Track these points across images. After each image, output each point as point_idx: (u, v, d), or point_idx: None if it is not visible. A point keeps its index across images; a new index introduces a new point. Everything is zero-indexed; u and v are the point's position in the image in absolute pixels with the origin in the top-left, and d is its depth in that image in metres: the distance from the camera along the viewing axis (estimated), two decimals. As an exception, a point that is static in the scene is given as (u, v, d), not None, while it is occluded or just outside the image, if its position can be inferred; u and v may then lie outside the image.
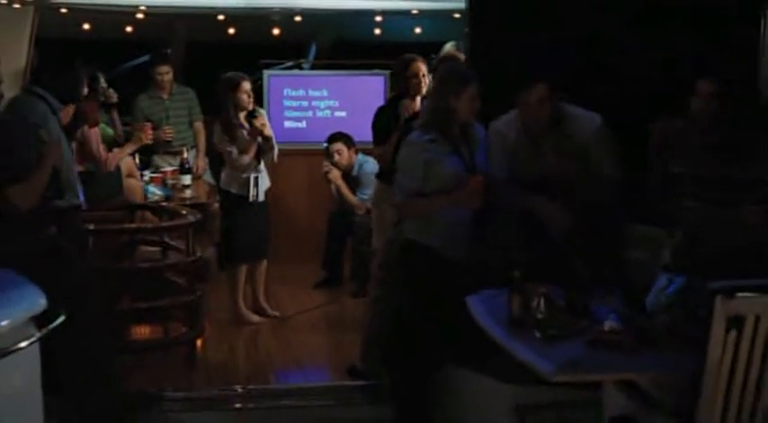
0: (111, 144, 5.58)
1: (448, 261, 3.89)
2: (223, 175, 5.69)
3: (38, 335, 2.91)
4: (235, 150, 5.47)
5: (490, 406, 3.87)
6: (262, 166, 5.64)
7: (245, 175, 5.53)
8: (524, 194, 3.88)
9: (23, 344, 2.82)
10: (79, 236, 4.13)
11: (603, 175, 3.83)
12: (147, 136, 5.18)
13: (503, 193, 3.92)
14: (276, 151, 5.71)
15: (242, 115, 5.55)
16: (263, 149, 5.59)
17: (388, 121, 4.80)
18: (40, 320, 2.98)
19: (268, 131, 5.59)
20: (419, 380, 4.01)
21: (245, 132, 5.51)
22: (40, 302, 3.01)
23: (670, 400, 2.82)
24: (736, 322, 2.57)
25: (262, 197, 5.65)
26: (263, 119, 5.60)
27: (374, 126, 4.92)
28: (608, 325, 3.06)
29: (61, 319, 3.02)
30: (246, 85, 5.54)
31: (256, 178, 5.58)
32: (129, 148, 5.24)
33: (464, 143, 3.94)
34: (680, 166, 3.92)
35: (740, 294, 2.56)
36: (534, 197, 3.86)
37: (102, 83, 6.53)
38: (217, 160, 6.92)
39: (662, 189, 3.95)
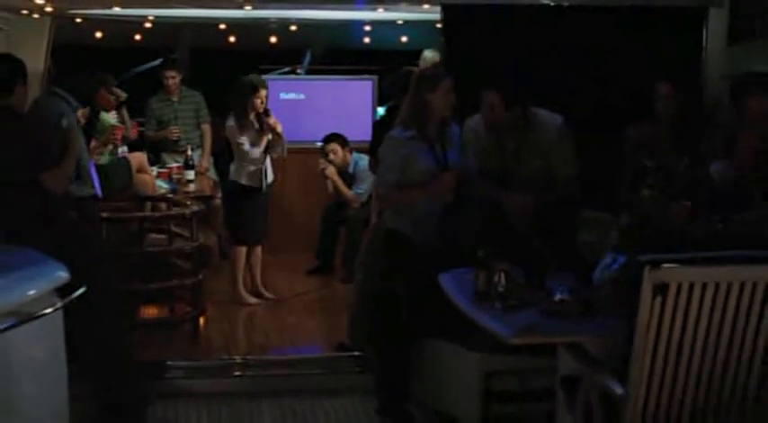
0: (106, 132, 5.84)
1: (423, 247, 4.14)
2: (232, 168, 5.95)
3: (61, 303, 3.17)
4: (247, 143, 5.75)
5: (461, 372, 4.12)
6: (268, 160, 5.92)
7: (254, 167, 5.80)
8: (491, 186, 4.15)
9: (48, 311, 3.08)
10: (94, 222, 4.39)
11: (562, 169, 4.09)
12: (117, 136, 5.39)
13: (474, 184, 4.19)
14: (286, 146, 6.00)
15: (253, 115, 5.83)
16: (272, 144, 5.87)
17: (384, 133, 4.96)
18: (63, 291, 3.25)
19: (279, 128, 5.89)
20: (398, 351, 4.22)
21: (255, 127, 5.80)
22: (62, 276, 3.25)
23: (610, 360, 3.09)
24: (661, 289, 2.83)
25: (265, 187, 5.94)
26: (274, 118, 5.90)
27: (373, 137, 5.15)
28: (559, 296, 3.33)
29: (81, 290, 3.27)
30: (263, 92, 5.83)
31: (264, 170, 5.87)
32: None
33: (439, 141, 4.17)
34: (647, 160, 4.22)
35: (665, 265, 2.83)
36: (499, 188, 4.13)
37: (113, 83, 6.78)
38: (221, 158, 7.21)
39: (630, 181, 4.22)
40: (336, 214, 6.77)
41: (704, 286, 2.82)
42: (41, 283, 3.17)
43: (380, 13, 6.93)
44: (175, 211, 5.58)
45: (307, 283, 6.64)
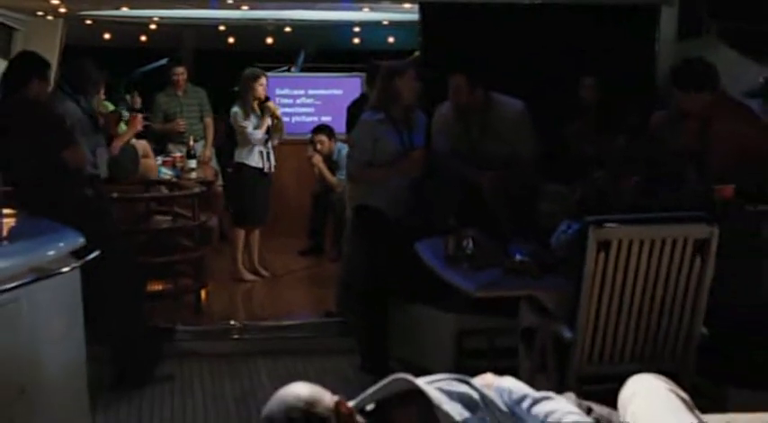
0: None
1: (393, 219, 4.36)
2: (237, 152, 6.18)
3: (77, 263, 3.40)
4: (250, 126, 6.00)
5: (436, 331, 4.36)
6: (270, 144, 6.16)
7: (258, 149, 6.04)
8: (463, 164, 4.38)
9: (65, 269, 3.31)
10: (105, 200, 4.62)
11: (523, 148, 4.32)
12: (138, 124, 5.60)
13: (443, 162, 4.42)
14: (284, 130, 6.28)
15: (255, 102, 6.07)
16: (272, 128, 6.12)
17: (357, 113, 5.23)
18: (79, 254, 3.47)
19: (278, 112, 6.16)
20: (378, 315, 4.42)
21: (257, 113, 6.05)
22: (78, 241, 3.48)
23: (562, 311, 3.34)
24: (604, 246, 3.09)
25: (272, 169, 6.18)
26: (273, 103, 6.19)
27: (348, 117, 5.41)
28: (519, 257, 3.60)
29: (95, 254, 3.50)
30: (263, 80, 6.09)
31: (268, 153, 6.12)
32: (128, 135, 5.66)
33: (405, 124, 4.35)
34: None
35: (607, 225, 3.09)
36: (470, 167, 4.36)
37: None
38: (223, 149, 7.44)
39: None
40: (324, 200, 7.00)
41: (641, 243, 3.09)
42: (59, 246, 3.40)
43: (367, 14, 7.14)
44: (179, 193, 5.80)
45: (299, 262, 6.88)
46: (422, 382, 1.89)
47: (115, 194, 5.11)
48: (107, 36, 8.61)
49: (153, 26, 8.26)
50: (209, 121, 7.55)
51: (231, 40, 8.80)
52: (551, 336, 3.33)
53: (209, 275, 5.85)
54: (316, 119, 7.49)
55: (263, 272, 6.38)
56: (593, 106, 4.64)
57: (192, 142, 7.06)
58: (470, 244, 3.70)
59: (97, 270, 3.61)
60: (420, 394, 1.86)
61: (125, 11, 7.11)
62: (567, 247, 3.54)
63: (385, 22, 7.46)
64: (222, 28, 8.47)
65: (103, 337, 4.20)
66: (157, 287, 5.70)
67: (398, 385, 1.89)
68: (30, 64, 4.39)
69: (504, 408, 1.87)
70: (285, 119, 7.81)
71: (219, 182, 7.10)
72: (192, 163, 6.82)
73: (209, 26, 8.41)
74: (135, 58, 9.40)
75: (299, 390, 1.85)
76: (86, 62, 4.80)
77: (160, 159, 6.80)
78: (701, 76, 3.86)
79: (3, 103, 4.34)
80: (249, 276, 6.24)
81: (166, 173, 6.51)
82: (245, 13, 6.89)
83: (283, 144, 7.24)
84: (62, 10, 6.88)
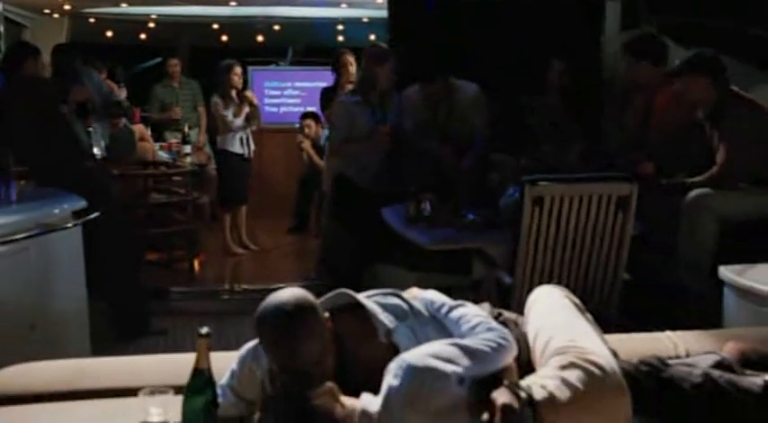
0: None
1: (365, 188, 4.65)
2: (219, 139, 6.46)
3: (78, 221, 3.69)
4: (230, 114, 6.27)
5: (402, 288, 4.63)
6: (248, 130, 6.44)
7: (238, 135, 6.31)
8: (425, 140, 4.67)
9: (68, 225, 3.62)
10: (106, 173, 4.90)
11: (479, 125, 4.61)
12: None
13: (410, 139, 4.71)
14: (261, 117, 6.53)
15: (233, 91, 6.34)
16: (250, 116, 6.38)
17: (329, 94, 5.62)
18: (80, 214, 3.76)
19: (255, 101, 6.41)
20: (352, 276, 4.61)
21: (236, 102, 6.30)
22: (80, 203, 3.78)
23: (504, 261, 3.63)
24: (538, 201, 3.39)
25: (252, 154, 6.45)
26: (250, 92, 6.44)
27: (321, 98, 5.74)
28: (470, 217, 3.92)
29: (95, 214, 3.80)
30: (238, 69, 6.34)
31: (247, 139, 6.39)
32: None
33: (380, 106, 4.66)
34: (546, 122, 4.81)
35: (541, 183, 3.39)
36: (434, 142, 4.66)
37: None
38: (214, 135, 7.71)
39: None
40: (310, 182, 7.27)
41: (570, 199, 3.39)
42: (63, 206, 3.71)
43: (347, 11, 7.42)
44: (174, 170, 6.08)
45: (286, 238, 7.16)
46: (361, 296, 2.17)
47: (116, 172, 5.39)
48: (109, 34, 8.88)
49: (151, 24, 8.53)
50: (202, 110, 7.82)
51: (224, 37, 9.04)
52: (495, 282, 3.63)
53: (201, 249, 6.13)
54: (302, 109, 7.73)
55: (252, 246, 6.65)
56: (560, 89, 4.90)
57: (186, 129, 7.33)
58: (428, 206, 4.00)
59: (97, 233, 3.91)
60: (360, 306, 2.14)
61: (125, 8, 7.37)
62: (512, 208, 3.82)
63: (365, 20, 7.74)
64: (216, 26, 8.73)
65: (103, 295, 4.47)
66: (154, 256, 5.98)
67: (343, 298, 2.18)
68: (23, 48, 4.71)
69: (426, 314, 2.15)
70: (273, 109, 8.18)
71: (213, 165, 7.37)
72: (187, 148, 7.10)
73: (203, 24, 8.67)
74: (135, 54, 9.62)
75: (293, 289, 2.12)
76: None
77: (158, 145, 7.09)
78: (652, 47, 4.20)
79: (6, 84, 4.64)
80: (238, 250, 6.52)
81: (163, 156, 6.80)
82: (235, 10, 7.15)
83: (271, 132, 7.55)
84: (66, 7, 7.16)
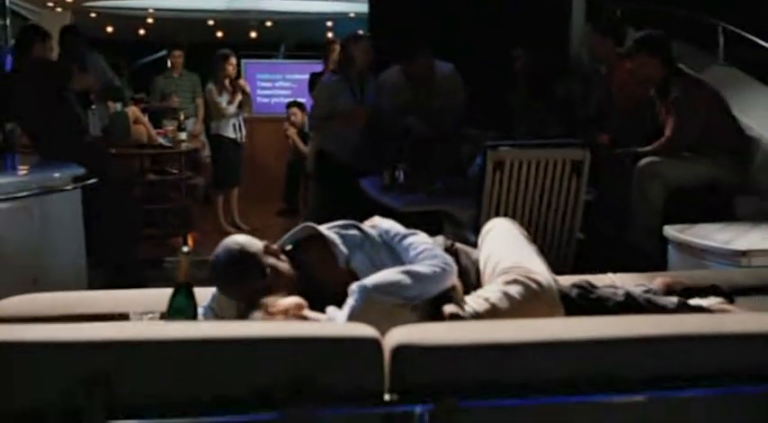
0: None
1: (345, 161, 4.84)
2: (213, 125, 6.65)
3: (78, 185, 3.88)
4: (223, 101, 6.47)
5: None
6: (241, 117, 6.63)
7: (231, 122, 6.51)
8: (403, 117, 4.86)
9: (68, 187, 3.80)
10: (103, 147, 5.09)
11: (454, 102, 4.79)
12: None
13: (389, 119, 4.90)
14: (252, 104, 6.73)
15: (227, 80, 6.53)
16: (243, 103, 6.57)
17: (316, 78, 5.80)
18: (79, 179, 3.93)
19: (247, 89, 6.61)
20: None
21: (229, 89, 6.49)
22: (79, 170, 3.96)
23: (471, 224, 3.82)
24: (499, 166, 3.58)
25: (243, 139, 6.64)
26: (243, 80, 6.63)
27: (310, 81, 5.94)
28: (439, 184, 4.12)
29: (93, 180, 3.98)
30: (232, 59, 6.55)
31: (240, 125, 6.59)
32: None
33: (358, 86, 4.85)
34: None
35: (501, 148, 3.59)
36: (411, 119, 4.84)
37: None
38: (210, 123, 7.90)
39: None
40: (297, 167, 7.46)
41: (528, 163, 3.58)
42: (63, 172, 3.88)
43: (337, 5, 7.61)
44: (168, 150, 6.27)
45: (276, 220, 7.34)
46: (322, 228, 2.36)
47: (113, 151, 5.56)
48: (110, 29, 9.07)
49: (150, 20, 8.70)
50: (200, 101, 7.98)
51: (220, 34, 9.22)
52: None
53: (195, 228, 6.29)
54: (291, 99, 7.94)
55: (244, 226, 6.83)
56: (524, 73, 5.11)
57: (182, 118, 7.50)
58: (402, 175, 4.20)
59: (97, 202, 4.09)
60: (322, 237, 2.33)
61: (124, 2, 7.54)
62: (478, 176, 4.02)
63: (351, 15, 7.93)
64: (211, 23, 8.91)
65: (101, 261, 4.64)
66: (150, 231, 6.14)
67: (306, 231, 2.36)
68: (34, 31, 4.88)
69: (380, 241, 2.33)
70: (264, 100, 8.37)
71: (207, 153, 7.54)
72: (183, 135, 7.22)
73: (199, 21, 8.86)
74: (134, 49, 9.79)
75: (236, 238, 2.32)
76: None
77: (155, 132, 7.26)
78: (612, 25, 4.44)
79: (15, 65, 4.83)
80: (230, 229, 6.68)
81: (160, 141, 6.96)
82: (229, 3, 7.33)
83: (263, 121, 7.75)
84: (69, 0, 7.34)
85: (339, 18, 8.37)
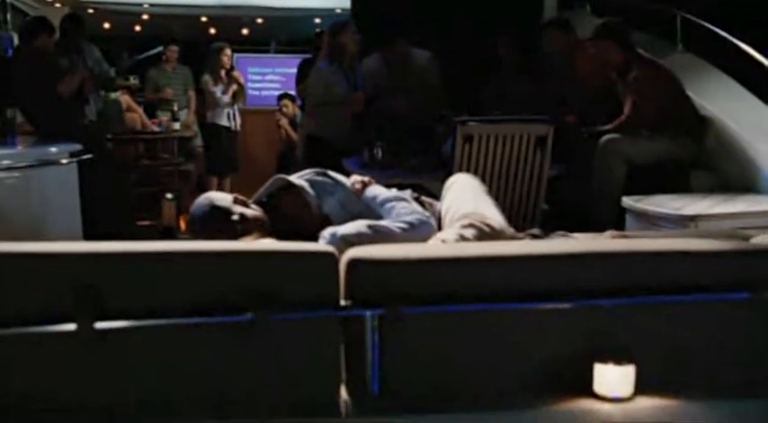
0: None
1: (335, 146, 5.00)
2: (208, 114, 6.81)
3: (74, 159, 4.03)
4: (218, 91, 6.63)
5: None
6: (235, 106, 6.78)
7: (225, 111, 6.65)
8: (387, 100, 4.99)
9: (65, 161, 3.95)
10: (98, 129, 5.24)
11: (431, 86, 4.94)
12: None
13: (369, 100, 5.05)
14: (246, 95, 6.90)
15: (223, 71, 6.69)
16: (237, 93, 6.73)
17: (305, 69, 5.87)
18: (74, 154, 4.10)
19: (241, 80, 6.78)
20: None
21: (224, 80, 6.64)
22: (76, 147, 4.14)
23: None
24: (468, 139, 3.75)
25: (238, 127, 6.79)
26: (237, 72, 6.80)
27: (298, 70, 6.08)
28: (414, 161, 4.28)
29: (88, 156, 4.14)
30: (228, 51, 6.72)
31: (234, 114, 6.74)
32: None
33: (351, 72, 4.99)
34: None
35: (470, 123, 3.76)
36: (391, 102, 4.99)
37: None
38: (204, 113, 8.04)
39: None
40: (288, 156, 7.61)
41: (496, 137, 3.75)
42: (60, 148, 4.05)
43: (324, 2, 7.76)
44: (161, 136, 6.42)
45: (266, 206, 7.49)
46: (293, 177, 2.51)
47: (109, 136, 5.71)
48: (107, 25, 9.18)
49: (145, 16, 8.84)
50: (192, 94, 8.11)
51: (212, 30, 9.35)
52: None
53: (187, 213, 6.42)
54: (282, 92, 8.09)
55: (234, 212, 6.98)
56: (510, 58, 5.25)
57: (175, 108, 7.65)
58: (380, 153, 4.37)
59: (92, 177, 4.24)
60: (294, 186, 2.48)
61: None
62: (450, 152, 4.20)
63: (338, 10, 8.08)
64: (204, 19, 9.05)
65: (95, 233, 4.78)
66: (142, 214, 6.27)
67: (278, 182, 2.51)
68: (39, 23, 5.01)
69: (347, 183, 2.47)
70: (255, 92, 8.52)
71: (199, 143, 7.68)
72: (176, 125, 7.39)
73: (193, 17, 8.99)
74: (130, 45, 9.90)
75: (207, 194, 2.47)
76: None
77: (149, 121, 7.40)
78: (565, 20, 4.63)
79: (17, 52, 4.96)
80: (222, 214, 6.84)
81: (154, 130, 7.10)
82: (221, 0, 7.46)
83: (254, 113, 7.88)
84: (66, -6, 7.46)
85: (326, 14, 8.51)
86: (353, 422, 1.58)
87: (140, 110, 7.02)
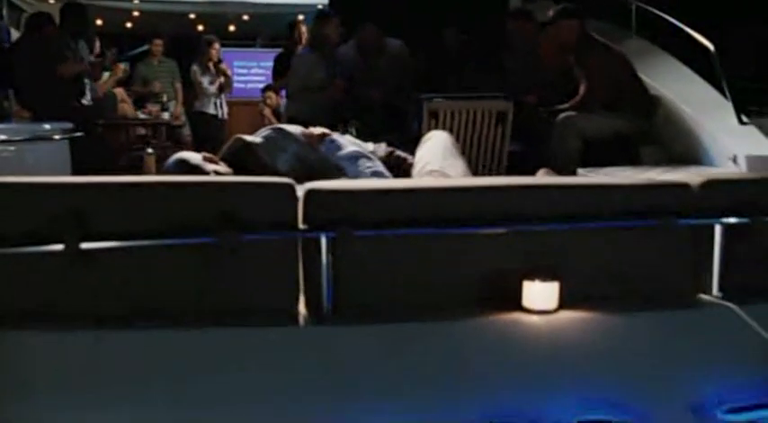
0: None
1: (312, 126, 5.14)
2: (196, 103, 6.96)
3: (66, 136, 4.16)
4: (206, 81, 6.78)
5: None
6: (222, 96, 6.93)
7: (212, 100, 6.80)
8: (363, 90, 5.16)
9: (57, 137, 4.09)
10: (92, 112, 5.36)
11: (403, 72, 5.11)
12: (119, 71, 6.31)
13: (349, 85, 5.20)
14: (233, 86, 7.06)
15: (211, 63, 6.83)
16: (223, 84, 6.88)
17: (280, 67, 5.99)
18: (67, 132, 4.23)
19: (228, 72, 6.93)
20: None
21: (212, 71, 6.79)
22: (68, 125, 4.28)
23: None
24: (434, 115, 3.92)
25: (225, 116, 6.94)
26: (224, 64, 6.95)
27: (274, 65, 6.22)
28: (385, 139, 4.43)
29: (80, 133, 4.27)
30: (217, 44, 6.87)
31: (220, 103, 6.90)
32: (111, 79, 6.35)
33: (331, 59, 5.16)
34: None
35: (435, 100, 3.92)
36: (368, 90, 5.13)
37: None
38: (192, 103, 8.17)
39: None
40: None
41: (459, 112, 3.92)
42: (53, 126, 4.18)
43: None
44: (150, 122, 6.56)
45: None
46: (249, 136, 2.66)
47: (101, 121, 5.83)
48: (99, 22, 9.27)
49: (136, 13, 8.94)
50: (178, 86, 8.24)
51: (200, 26, 9.47)
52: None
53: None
54: (266, 84, 8.23)
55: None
56: (455, 49, 5.43)
57: (165, 99, 7.78)
58: (353, 131, 4.51)
59: (81, 154, 4.37)
60: (250, 144, 2.63)
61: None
62: (417, 130, 4.37)
63: (320, 6, 8.22)
64: (192, 16, 9.16)
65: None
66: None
67: (237, 143, 2.68)
68: (47, 16, 5.17)
69: (299, 136, 2.63)
70: (241, 85, 8.65)
71: (187, 132, 7.81)
72: (165, 115, 7.54)
73: (182, 14, 9.11)
74: (121, 42, 9.99)
75: (179, 154, 2.62)
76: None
77: (140, 113, 7.53)
78: (524, 11, 4.81)
79: (23, 39, 5.13)
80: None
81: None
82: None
83: (239, 104, 8.01)
84: (60, -10, 7.53)
85: (309, 11, 8.64)
86: (309, 330, 1.74)
87: (130, 100, 7.15)
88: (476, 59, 5.38)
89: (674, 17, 4.60)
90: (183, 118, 8.12)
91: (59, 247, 1.65)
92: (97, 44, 6.19)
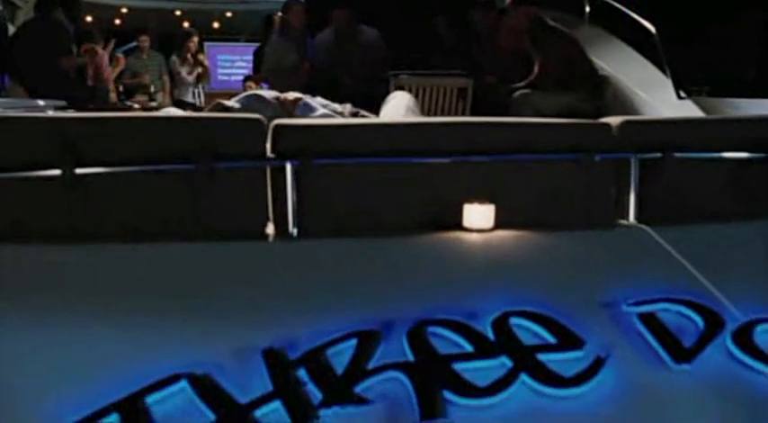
0: None
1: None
2: (175, 92, 7.12)
3: (59, 112, 4.29)
4: (183, 71, 6.93)
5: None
6: (200, 86, 7.09)
7: (190, 89, 6.97)
8: (339, 71, 5.32)
9: (50, 112, 4.22)
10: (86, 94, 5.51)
11: (378, 59, 5.29)
12: (122, 63, 6.47)
13: (324, 71, 5.37)
14: (210, 77, 7.18)
15: (189, 54, 6.99)
16: (201, 75, 7.04)
17: (257, 59, 6.16)
18: (61, 109, 4.36)
19: (206, 63, 7.06)
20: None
21: (190, 62, 6.94)
22: (62, 102, 4.41)
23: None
24: (400, 90, 4.10)
25: (202, 104, 7.10)
26: (202, 55, 7.08)
27: (254, 59, 6.40)
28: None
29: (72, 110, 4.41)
30: (195, 38, 7.02)
31: (199, 92, 7.05)
32: (115, 71, 6.52)
33: (302, 45, 5.38)
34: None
35: (401, 76, 4.12)
36: (342, 75, 5.32)
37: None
38: (171, 96, 8.29)
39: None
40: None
41: (424, 88, 4.12)
42: (47, 102, 4.31)
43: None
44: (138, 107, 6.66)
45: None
46: (228, 101, 2.83)
47: (92, 106, 5.96)
48: (89, 18, 9.37)
49: (124, 10, 9.06)
50: (166, 78, 8.38)
51: (186, 23, 9.59)
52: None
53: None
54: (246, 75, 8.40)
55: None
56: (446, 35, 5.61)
57: (152, 89, 7.91)
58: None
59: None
60: (227, 109, 2.80)
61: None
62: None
63: (302, 1, 8.40)
64: (178, 13, 9.30)
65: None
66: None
67: (219, 106, 2.85)
68: (52, 3, 5.31)
69: (273, 100, 2.81)
70: (224, 77, 8.80)
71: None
72: (153, 105, 7.68)
73: (167, 11, 9.24)
74: (111, 37, 10.07)
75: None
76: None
77: (129, 102, 7.66)
78: (487, 3, 5.01)
79: (31, 22, 5.27)
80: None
81: (134, 107, 7.37)
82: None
83: (223, 95, 8.10)
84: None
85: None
86: (276, 245, 1.92)
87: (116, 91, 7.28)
88: (448, 45, 5.58)
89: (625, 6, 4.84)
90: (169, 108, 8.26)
91: (56, 172, 1.82)
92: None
